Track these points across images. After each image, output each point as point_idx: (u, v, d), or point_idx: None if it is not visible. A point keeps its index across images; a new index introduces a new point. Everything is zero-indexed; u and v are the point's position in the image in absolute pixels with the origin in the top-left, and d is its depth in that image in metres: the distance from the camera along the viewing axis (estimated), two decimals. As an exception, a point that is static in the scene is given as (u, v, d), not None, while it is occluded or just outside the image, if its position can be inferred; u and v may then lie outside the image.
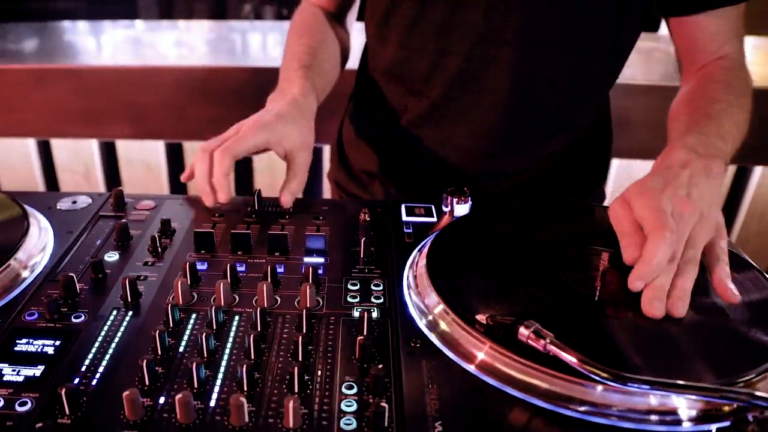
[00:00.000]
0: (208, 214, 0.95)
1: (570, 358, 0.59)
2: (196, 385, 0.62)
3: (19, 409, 0.60)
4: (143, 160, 2.14)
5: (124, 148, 2.14)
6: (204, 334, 0.66)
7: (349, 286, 0.79)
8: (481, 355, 0.65)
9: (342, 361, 0.66)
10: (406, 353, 0.67)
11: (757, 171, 2.04)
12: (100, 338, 0.69)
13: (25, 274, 0.79)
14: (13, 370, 0.64)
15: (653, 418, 0.59)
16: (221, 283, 0.74)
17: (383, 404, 0.57)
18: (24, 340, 0.68)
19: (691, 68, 1.05)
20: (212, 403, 0.60)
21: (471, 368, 0.65)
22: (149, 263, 0.83)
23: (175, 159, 2.15)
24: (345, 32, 1.27)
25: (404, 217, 0.94)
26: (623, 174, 2.03)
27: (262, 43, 2.39)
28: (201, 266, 0.82)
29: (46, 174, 2.19)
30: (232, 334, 0.70)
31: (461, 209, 0.91)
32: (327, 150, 1.88)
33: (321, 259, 0.84)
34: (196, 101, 1.93)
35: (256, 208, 0.96)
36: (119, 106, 1.94)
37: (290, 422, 0.57)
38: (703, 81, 1.01)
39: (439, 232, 0.85)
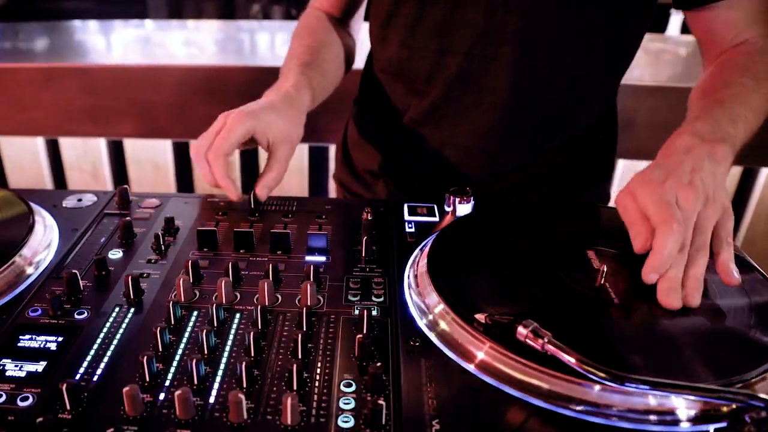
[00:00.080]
0: (212, 212, 0.96)
1: (568, 358, 0.59)
2: (195, 382, 0.62)
3: (20, 404, 0.60)
4: (151, 158, 2.16)
5: (132, 146, 2.16)
6: (204, 331, 0.66)
7: (350, 285, 0.79)
8: (480, 355, 0.65)
9: (341, 359, 0.66)
10: (406, 352, 0.67)
11: (764, 172, 2.03)
12: (102, 335, 0.69)
13: (29, 270, 0.80)
14: (16, 366, 0.65)
15: (651, 418, 0.59)
16: (223, 280, 0.74)
17: (380, 402, 0.57)
18: (27, 336, 0.69)
19: (711, 56, 1.04)
20: (211, 400, 0.61)
21: (470, 367, 0.65)
22: (152, 261, 0.84)
23: (183, 158, 2.17)
24: (349, 36, 1.27)
25: (406, 217, 0.94)
26: (629, 175, 2.01)
27: (270, 42, 2.40)
28: (203, 264, 0.82)
29: (54, 172, 2.21)
30: (232, 331, 0.70)
31: (464, 209, 0.91)
32: (333, 150, 1.89)
33: (323, 258, 0.84)
34: (204, 100, 1.93)
35: (252, 206, 0.96)
36: (127, 105, 1.95)
37: (288, 419, 0.58)
38: (720, 66, 1.00)
39: (440, 232, 0.85)
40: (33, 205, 0.91)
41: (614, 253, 0.82)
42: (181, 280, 0.75)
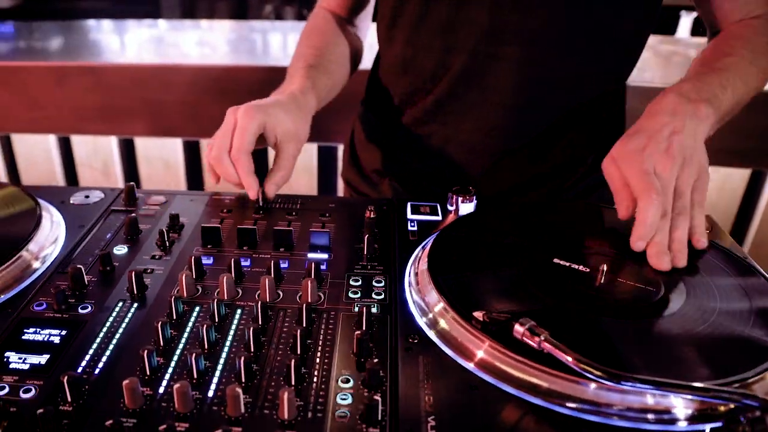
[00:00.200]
0: (217, 209, 0.97)
1: (564, 356, 0.59)
2: (195, 376, 0.63)
3: (23, 395, 0.61)
4: (161, 157, 2.17)
5: (143, 145, 2.17)
6: (205, 326, 0.67)
7: (351, 282, 0.79)
8: (478, 353, 0.65)
9: (340, 355, 0.67)
10: (404, 349, 0.67)
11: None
12: (104, 329, 0.70)
13: (36, 265, 0.81)
14: (20, 358, 0.66)
15: (647, 416, 0.59)
16: (224, 276, 0.75)
17: (376, 398, 0.58)
18: (31, 330, 0.70)
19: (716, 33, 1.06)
20: (210, 394, 0.62)
21: (467, 365, 0.65)
22: (157, 257, 0.84)
23: (193, 156, 2.18)
24: (356, 36, 1.28)
25: (409, 215, 0.95)
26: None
27: (282, 43, 2.41)
28: (207, 260, 0.83)
29: (66, 170, 2.23)
30: (233, 327, 0.71)
31: (466, 208, 0.92)
32: (342, 150, 1.89)
33: (325, 255, 0.85)
34: (214, 99, 1.95)
35: (261, 204, 0.97)
36: (138, 104, 1.97)
37: (285, 413, 0.58)
38: (722, 38, 1.02)
39: (442, 231, 0.86)
40: (41, 201, 0.92)
41: (614, 252, 0.82)
42: (184, 275, 0.76)
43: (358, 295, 0.77)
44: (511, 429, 0.59)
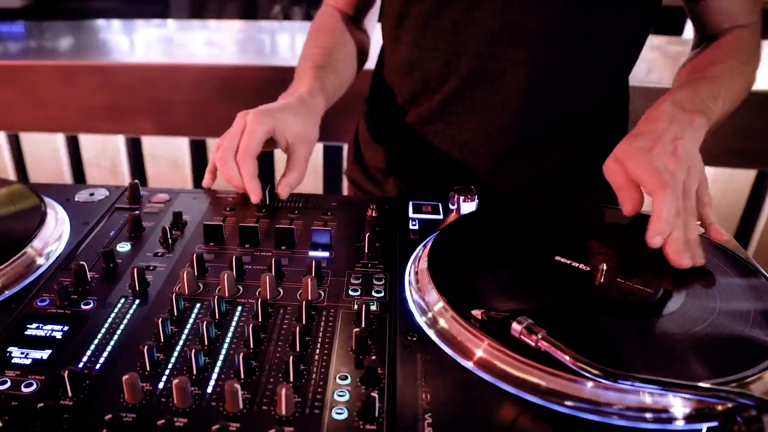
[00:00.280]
0: (220, 207, 0.97)
1: (562, 355, 0.59)
2: (194, 372, 0.63)
3: (24, 390, 0.62)
4: (168, 156, 2.18)
5: (150, 144, 2.19)
6: (205, 323, 0.67)
7: (352, 280, 0.80)
8: (477, 351, 0.65)
9: (338, 352, 0.67)
10: (402, 347, 0.68)
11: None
12: (106, 325, 0.71)
13: (40, 261, 0.82)
14: (22, 353, 0.66)
15: (645, 415, 0.59)
16: (226, 273, 0.76)
17: (373, 395, 0.58)
18: (34, 325, 0.71)
19: (705, 39, 1.09)
20: (209, 390, 0.62)
21: (466, 363, 0.65)
22: (159, 254, 0.85)
23: (199, 155, 2.19)
24: (363, 34, 1.29)
25: (411, 214, 0.95)
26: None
27: (290, 43, 2.42)
28: (209, 258, 0.84)
29: (73, 168, 2.25)
30: (233, 324, 0.71)
31: (468, 207, 0.92)
32: (346, 149, 1.90)
33: (326, 254, 0.85)
34: (221, 99, 1.96)
35: (267, 203, 0.97)
36: (145, 103, 1.98)
37: (282, 409, 0.58)
38: (711, 47, 1.04)
39: (443, 230, 0.86)
40: (46, 198, 0.93)
41: (614, 252, 0.82)
42: (185, 272, 0.76)
43: (358, 293, 0.77)
44: (509, 427, 0.59)
